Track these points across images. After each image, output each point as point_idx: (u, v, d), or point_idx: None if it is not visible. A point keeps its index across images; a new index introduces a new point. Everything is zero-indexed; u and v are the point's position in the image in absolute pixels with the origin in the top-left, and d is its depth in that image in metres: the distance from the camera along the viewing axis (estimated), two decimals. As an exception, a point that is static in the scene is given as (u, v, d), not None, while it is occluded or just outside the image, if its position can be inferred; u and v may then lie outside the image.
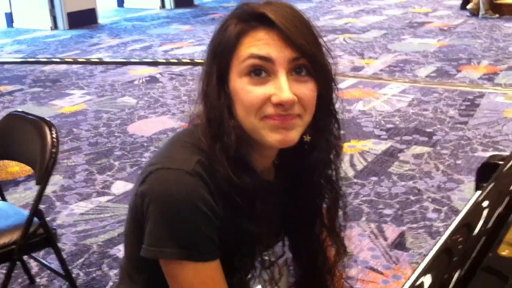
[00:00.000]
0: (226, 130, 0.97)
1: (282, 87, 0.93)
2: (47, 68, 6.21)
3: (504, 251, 1.01)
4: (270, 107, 0.95)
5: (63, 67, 6.24)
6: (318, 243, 1.16)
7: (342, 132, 1.08)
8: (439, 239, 1.08)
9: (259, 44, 0.95)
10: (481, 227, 1.09)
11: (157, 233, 0.95)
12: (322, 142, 1.04)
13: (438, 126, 4.04)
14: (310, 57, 0.96)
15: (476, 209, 1.19)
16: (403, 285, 0.93)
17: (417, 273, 0.96)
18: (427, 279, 0.95)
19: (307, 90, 0.97)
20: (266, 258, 1.11)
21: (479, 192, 1.29)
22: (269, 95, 0.94)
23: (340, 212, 1.15)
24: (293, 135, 0.97)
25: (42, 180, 1.99)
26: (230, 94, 0.97)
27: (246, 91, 0.95)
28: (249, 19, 0.98)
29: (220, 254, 0.99)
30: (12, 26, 8.85)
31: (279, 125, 0.96)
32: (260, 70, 0.95)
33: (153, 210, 0.95)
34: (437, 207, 2.93)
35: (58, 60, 6.55)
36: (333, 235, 1.16)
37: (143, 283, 1.09)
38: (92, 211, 3.04)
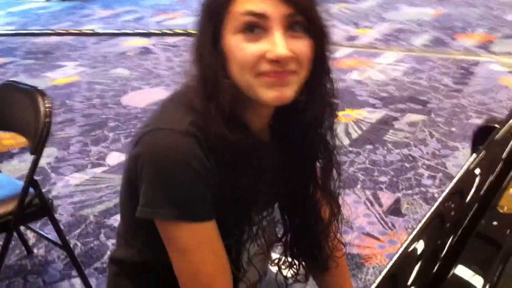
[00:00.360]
0: (221, 89, 0.95)
1: (277, 43, 0.91)
2: (39, 40, 6.15)
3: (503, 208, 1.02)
4: (265, 64, 0.93)
5: (56, 39, 6.18)
6: (311, 203, 1.16)
7: (335, 88, 1.06)
8: (434, 205, 1.08)
9: (254, 0, 0.93)
10: (473, 194, 1.09)
11: (151, 193, 0.95)
12: (317, 100, 1.03)
13: (433, 94, 4.04)
14: (305, 14, 0.94)
15: (468, 176, 1.19)
16: (397, 251, 0.93)
17: (410, 239, 0.97)
18: (420, 245, 0.95)
19: (303, 46, 0.95)
20: (263, 220, 1.11)
21: (474, 156, 1.29)
22: (264, 51, 0.92)
23: (335, 174, 1.14)
24: (289, 92, 0.96)
25: (37, 150, 1.98)
26: (224, 52, 0.96)
27: (240, 48, 0.93)
28: None
29: (215, 214, 0.99)
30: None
31: (274, 82, 0.94)
32: (254, 27, 0.93)
33: (147, 171, 0.94)
34: (432, 173, 2.95)
35: (50, 31, 6.48)
36: (326, 195, 1.15)
37: (140, 247, 1.09)
38: (87, 182, 3.04)
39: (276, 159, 1.10)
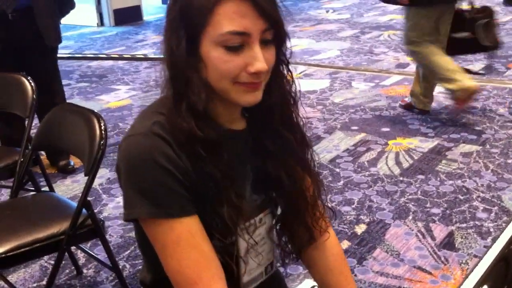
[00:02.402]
0: (195, 89, 1.01)
1: (258, 57, 0.99)
2: (94, 63, 6.32)
3: None
4: (244, 75, 1.00)
5: (109, 62, 6.34)
6: (296, 182, 1.18)
7: (293, 72, 1.14)
8: (492, 242, 1.03)
9: (236, 18, 0.97)
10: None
11: (126, 195, 1.01)
12: (275, 87, 1.10)
13: (488, 124, 3.94)
14: (276, 26, 1.01)
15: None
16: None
17: (475, 284, 0.92)
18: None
19: (271, 56, 1.04)
20: (250, 222, 1.14)
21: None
22: (245, 64, 0.99)
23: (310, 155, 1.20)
24: (260, 94, 1.05)
25: (91, 171, 2.01)
26: (201, 58, 1.01)
27: (222, 60, 0.99)
28: None
29: (201, 210, 1.02)
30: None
31: (250, 89, 1.02)
32: (238, 43, 0.99)
33: (120, 176, 1.02)
34: (487, 207, 2.85)
35: (104, 56, 6.65)
36: (305, 170, 1.20)
37: (149, 255, 1.11)
38: (137, 204, 3.06)
39: (254, 145, 1.14)
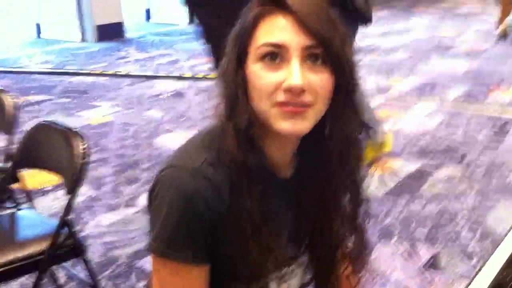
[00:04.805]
0: (241, 110, 0.96)
1: (293, 72, 0.92)
2: (75, 79, 6.26)
3: None
4: (281, 93, 0.93)
5: (91, 78, 6.29)
6: (333, 246, 1.13)
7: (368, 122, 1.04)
8: (481, 264, 1.02)
9: (274, 30, 0.94)
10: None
11: (151, 226, 1.00)
12: (337, 132, 1.01)
13: (469, 148, 3.97)
14: (325, 45, 0.93)
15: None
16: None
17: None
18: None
19: (320, 79, 0.94)
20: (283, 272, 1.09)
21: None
22: (281, 80, 0.93)
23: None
24: (303, 125, 0.95)
25: (72, 190, 1.97)
26: (247, 78, 0.97)
27: (259, 76, 0.94)
28: (267, 2, 0.97)
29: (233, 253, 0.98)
30: (41, 37, 8.95)
31: (288, 113, 0.94)
32: (275, 56, 0.94)
33: (151, 201, 1.00)
34: (471, 227, 2.86)
35: (86, 72, 6.60)
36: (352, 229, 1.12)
37: None
38: (119, 222, 3.01)
39: (296, 197, 1.08)
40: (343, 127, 1.01)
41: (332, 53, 0.94)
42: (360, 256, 1.14)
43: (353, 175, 1.06)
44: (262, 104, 0.95)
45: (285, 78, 0.92)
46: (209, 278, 1.01)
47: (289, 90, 0.92)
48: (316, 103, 0.95)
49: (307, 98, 0.94)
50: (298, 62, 0.92)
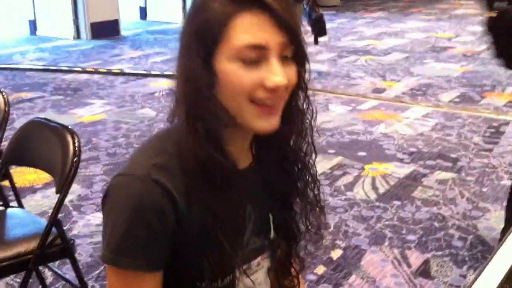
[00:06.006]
0: (210, 109, 0.94)
1: (276, 72, 0.92)
2: (69, 76, 6.23)
3: None
4: (262, 91, 0.93)
5: (85, 76, 6.25)
6: (295, 227, 1.14)
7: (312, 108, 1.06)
8: (475, 276, 1.00)
9: (252, 30, 0.91)
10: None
11: (103, 235, 0.98)
12: (290, 118, 1.02)
13: (463, 152, 3.96)
14: (296, 42, 0.95)
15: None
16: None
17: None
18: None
19: (292, 73, 0.96)
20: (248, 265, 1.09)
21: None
22: (262, 79, 0.92)
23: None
24: (276, 120, 0.97)
25: (62, 189, 1.95)
26: (216, 73, 0.94)
27: (238, 75, 0.92)
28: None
29: (187, 259, 0.98)
30: (35, 34, 8.90)
31: (265, 113, 0.95)
32: (255, 56, 0.93)
33: (103, 209, 0.98)
34: (463, 235, 2.85)
35: (79, 69, 6.56)
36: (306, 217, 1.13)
37: None
38: (108, 222, 2.98)
39: (258, 184, 1.08)
40: (296, 114, 1.04)
41: (301, 49, 0.96)
42: (318, 241, 1.18)
43: (307, 155, 1.09)
44: (236, 101, 0.94)
45: (266, 77, 0.92)
46: (179, 280, 1.00)
47: (273, 90, 0.93)
48: (286, 96, 0.98)
49: (285, 94, 0.96)
50: (277, 59, 0.93)
